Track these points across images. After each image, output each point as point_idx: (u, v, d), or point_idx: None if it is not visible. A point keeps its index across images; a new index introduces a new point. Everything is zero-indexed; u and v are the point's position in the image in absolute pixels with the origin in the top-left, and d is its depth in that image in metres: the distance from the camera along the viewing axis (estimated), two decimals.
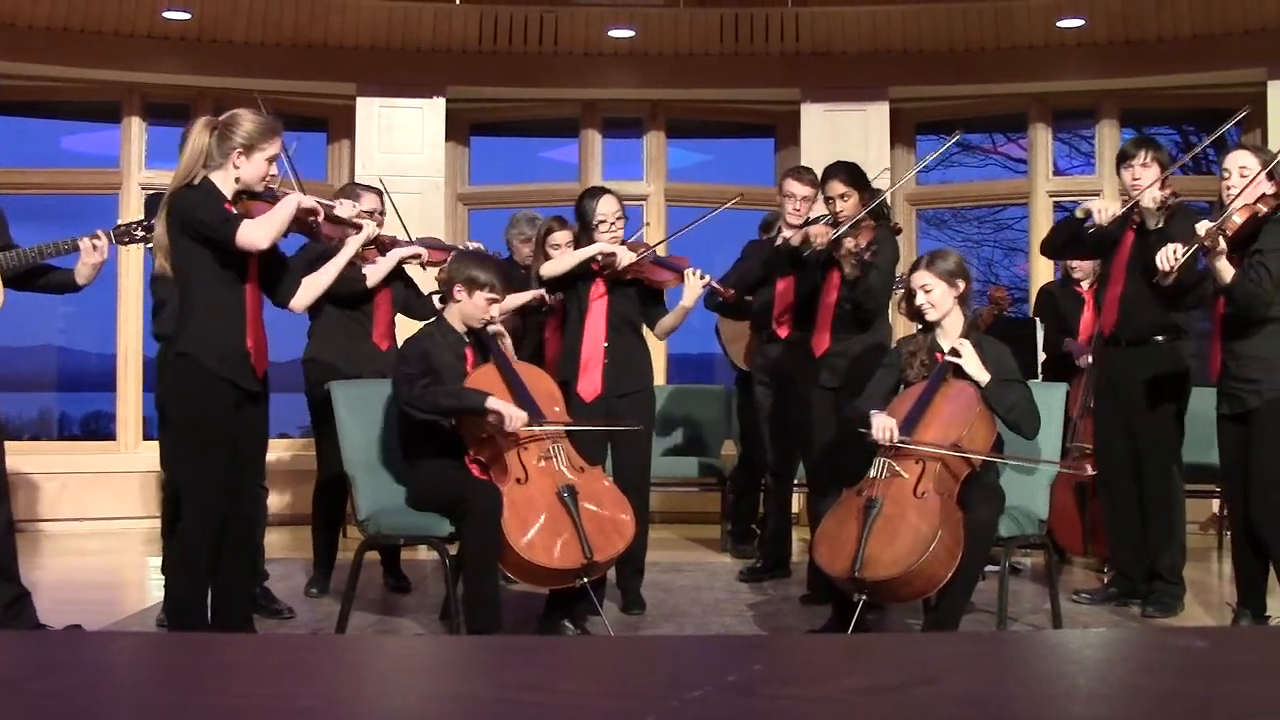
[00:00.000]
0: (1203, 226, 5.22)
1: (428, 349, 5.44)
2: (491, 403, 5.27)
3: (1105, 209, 5.96)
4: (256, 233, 4.75)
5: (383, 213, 6.50)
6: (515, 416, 5.26)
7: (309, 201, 4.97)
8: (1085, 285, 7.46)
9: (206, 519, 4.87)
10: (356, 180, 8.03)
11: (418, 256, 6.44)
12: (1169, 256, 5.32)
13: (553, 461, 5.43)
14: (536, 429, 5.39)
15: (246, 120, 4.86)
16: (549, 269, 6.22)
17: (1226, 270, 5.22)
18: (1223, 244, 5.17)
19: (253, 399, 4.99)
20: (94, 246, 5.17)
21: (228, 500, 4.93)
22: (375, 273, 6.34)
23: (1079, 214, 6.09)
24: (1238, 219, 5.25)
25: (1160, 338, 6.07)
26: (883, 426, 5.27)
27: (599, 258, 6.04)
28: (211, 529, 4.88)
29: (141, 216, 5.33)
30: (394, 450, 5.63)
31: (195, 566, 4.91)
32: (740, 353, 7.90)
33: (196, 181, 4.79)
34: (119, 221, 5.39)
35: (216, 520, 4.88)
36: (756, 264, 6.75)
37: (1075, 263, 7.45)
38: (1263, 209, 5.26)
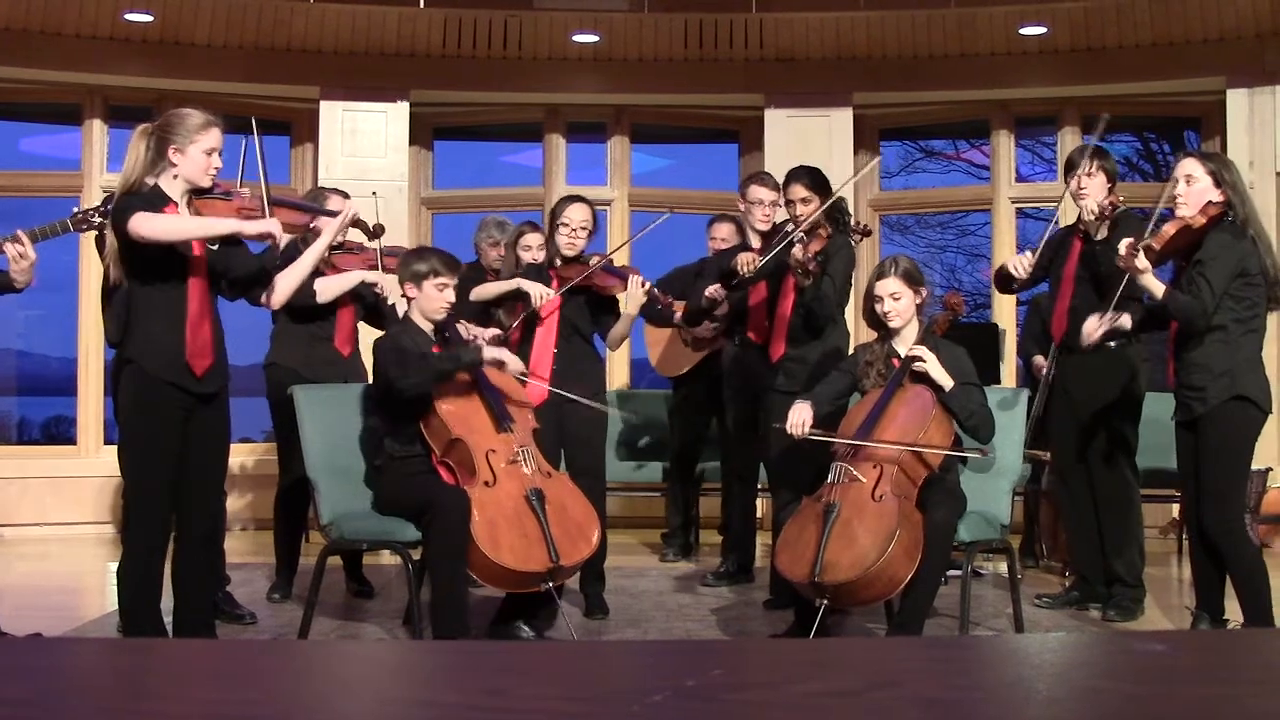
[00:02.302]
0: (1124, 245, 5.25)
1: (401, 343, 5.43)
2: (488, 352, 5.47)
3: (1021, 264, 6.07)
4: (146, 224, 4.66)
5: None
6: (512, 362, 5.53)
7: (253, 228, 4.85)
8: None
9: (152, 524, 4.85)
10: (320, 185, 7.99)
11: (376, 284, 6.36)
12: (1088, 334, 5.54)
13: (520, 465, 5.43)
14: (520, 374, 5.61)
15: (179, 118, 4.85)
16: (478, 293, 6.26)
17: (1155, 286, 5.25)
18: (1144, 260, 5.19)
19: (206, 401, 4.96)
20: (19, 253, 5.05)
21: (187, 505, 4.91)
22: (327, 290, 6.27)
23: (1007, 272, 6.18)
24: (1168, 231, 5.26)
25: (1111, 343, 6.10)
26: (795, 420, 5.34)
27: (534, 298, 6.09)
28: (157, 533, 4.86)
29: (99, 203, 5.28)
30: (356, 455, 5.62)
31: (143, 571, 4.88)
32: (657, 357, 7.95)
33: (138, 188, 4.78)
34: (76, 209, 5.32)
35: (162, 525, 4.86)
36: (695, 299, 6.76)
37: None
38: (1200, 219, 5.26)
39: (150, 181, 4.82)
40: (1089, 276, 5.98)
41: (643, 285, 6.09)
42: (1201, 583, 5.57)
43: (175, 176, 4.83)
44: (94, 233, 5.35)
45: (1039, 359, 7.35)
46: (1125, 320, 5.54)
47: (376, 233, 6.19)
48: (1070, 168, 6.18)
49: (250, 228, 4.84)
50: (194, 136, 4.82)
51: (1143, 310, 5.62)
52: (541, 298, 6.06)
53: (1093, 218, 5.94)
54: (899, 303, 5.43)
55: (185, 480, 4.90)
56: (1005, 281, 6.25)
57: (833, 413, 5.62)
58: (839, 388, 5.60)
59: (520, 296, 6.16)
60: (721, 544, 7.83)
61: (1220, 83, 9.05)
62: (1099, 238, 5.98)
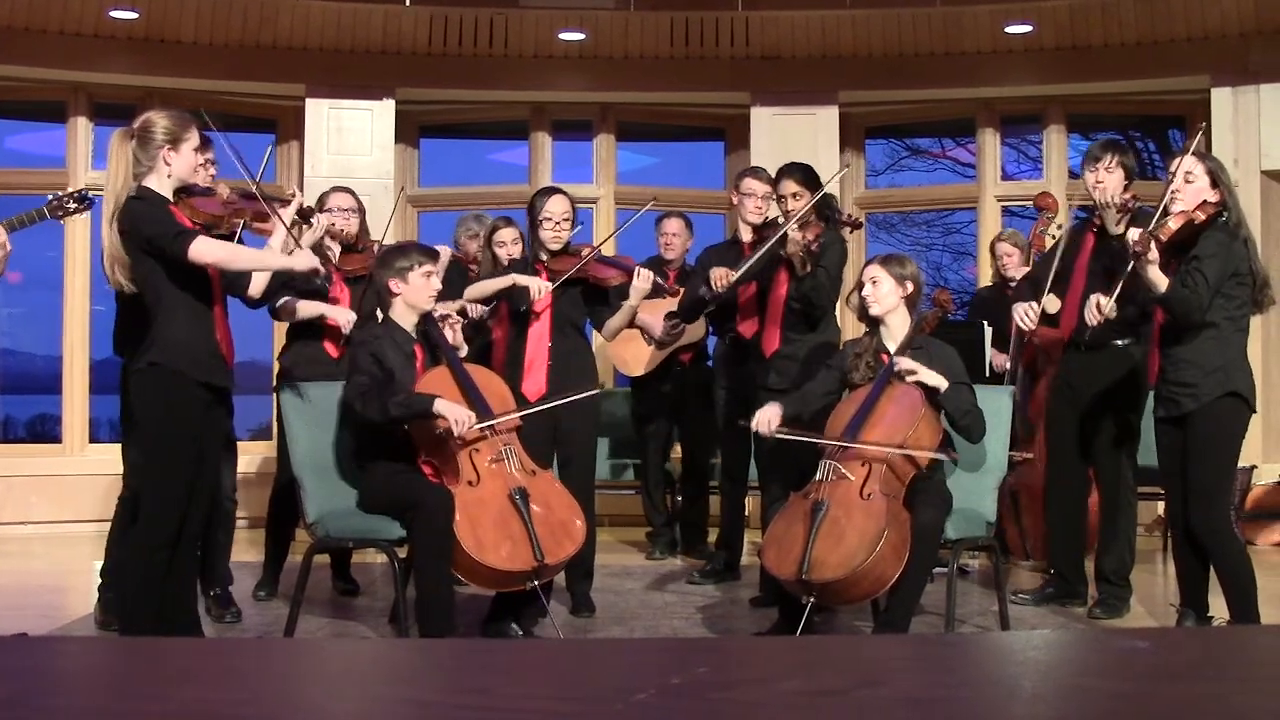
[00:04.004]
0: (1134, 233, 5.28)
1: (376, 351, 5.41)
2: (439, 406, 5.21)
3: (1026, 316, 6.02)
4: (210, 252, 4.77)
5: (360, 211, 6.52)
6: (461, 420, 5.22)
7: (303, 265, 5.01)
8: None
9: (166, 523, 4.86)
10: (306, 181, 8.00)
11: (337, 322, 6.35)
12: (1095, 311, 5.44)
13: (504, 464, 5.42)
14: (483, 426, 5.36)
15: (161, 118, 4.89)
16: (471, 292, 6.23)
17: (1160, 279, 5.26)
18: (1155, 252, 5.21)
19: (223, 399, 5.01)
20: None
21: (190, 505, 4.92)
22: (301, 310, 6.29)
23: (1019, 324, 6.14)
24: (1173, 225, 5.30)
25: (1119, 341, 6.12)
26: (762, 418, 5.38)
27: (532, 292, 6.04)
28: (170, 532, 4.87)
29: (76, 188, 5.29)
30: (343, 453, 5.60)
31: (149, 569, 4.88)
32: (620, 356, 7.95)
33: (134, 192, 4.78)
34: (52, 196, 5.31)
35: (176, 524, 4.87)
36: (688, 306, 6.80)
37: (1009, 266, 7.55)
38: (1201, 216, 5.31)
39: (134, 185, 4.83)
40: (1101, 271, 5.93)
41: (648, 277, 6.10)
42: (1186, 580, 5.59)
43: (169, 175, 4.85)
44: (86, 229, 5.37)
45: (998, 355, 7.35)
46: (1160, 281, 5.41)
47: (306, 215, 6.21)
48: (1090, 161, 6.17)
49: (299, 264, 5.01)
50: (183, 134, 4.87)
51: (1135, 307, 5.65)
52: (540, 291, 6.03)
53: (1112, 208, 5.91)
54: (878, 288, 5.47)
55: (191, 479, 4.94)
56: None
57: (821, 409, 5.63)
58: (828, 385, 5.61)
59: (506, 295, 6.14)
60: (682, 535, 7.91)
61: (1204, 81, 9.07)
62: (1116, 232, 5.94)
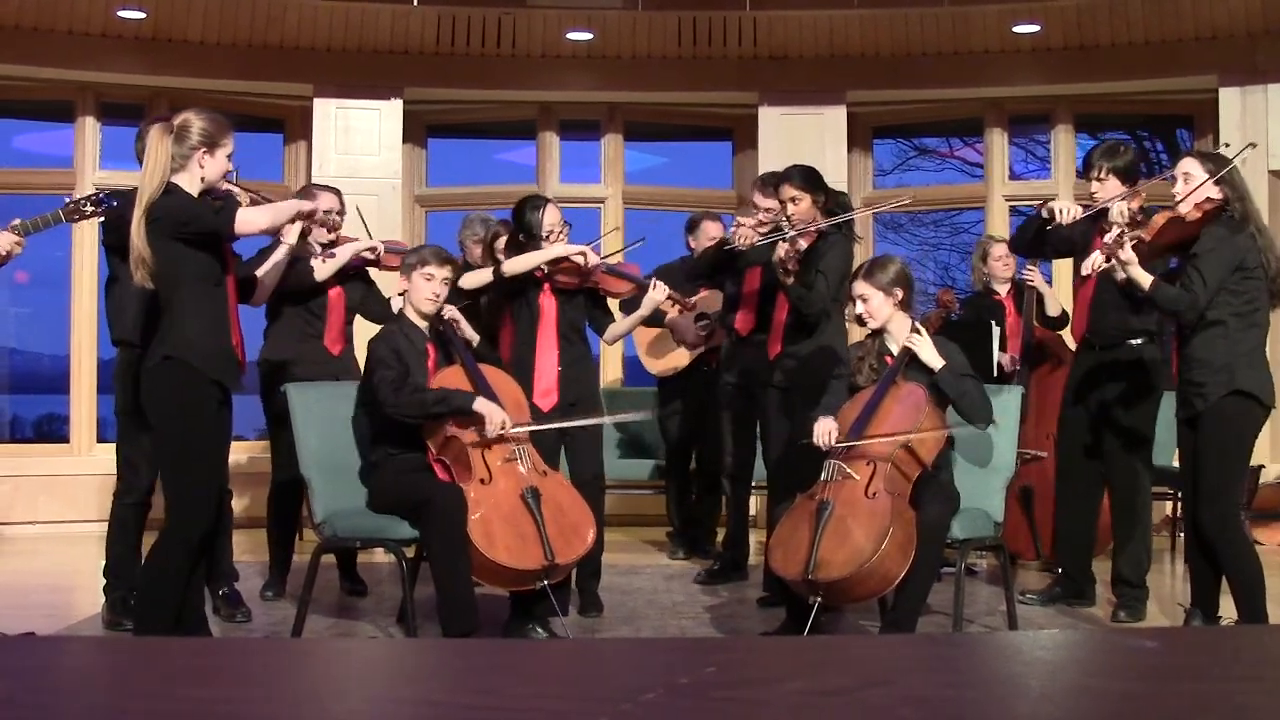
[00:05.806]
0: (1111, 235, 5.27)
1: (397, 345, 5.44)
2: (479, 404, 5.31)
3: (1068, 209, 5.88)
4: (256, 216, 4.86)
5: (341, 213, 6.48)
6: (497, 420, 5.30)
7: (309, 206, 5.09)
8: (1003, 291, 7.48)
9: (197, 523, 4.86)
10: (314, 182, 7.99)
11: (373, 249, 6.34)
12: (1093, 265, 5.46)
13: (517, 463, 5.44)
14: (506, 433, 5.40)
15: (200, 119, 4.87)
16: (510, 266, 6.13)
17: (1142, 277, 5.26)
18: (1128, 252, 5.19)
19: (226, 401, 5.02)
20: (17, 243, 5.01)
21: (210, 502, 4.94)
22: (323, 269, 6.25)
23: (1044, 214, 5.97)
24: (1157, 221, 5.28)
25: (1133, 341, 6.09)
26: (821, 430, 5.34)
27: (571, 258, 6.00)
28: (200, 531, 4.87)
29: (92, 192, 5.29)
30: (350, 452, 5.61)
31: (177, 570, 4.87)
32: (649, 356, 7.95)
33: (165, 187, 4.79)
34: (68, 199, 5.31)
35: (205, 521, 4.87)
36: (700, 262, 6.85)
37: (1000, 270, 7.47)
38: (1196, 214, 5.27)
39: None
40: (1111, 273, 5.89)
41: (663, 289, 6.10)
42: (1197, 580, 5.57)
43: (202, 179, 4.85)
44: (93, 228, 5.38)
45: (1002, 356, 7.32)
46: (1144, 279, 5.30)
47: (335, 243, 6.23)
48: (1086, 169, 6.14)
49: (306, 206, 5.15)
50: (221, 139, 4.89)
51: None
52: (588, 258, 6.01)
53: (1123, 220, 5.79)
54: (868, 304, 5.48)
55: None
56: (1037, 231, 6.04)
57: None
58: (844, 397, 5.59)
59: (518, 284, 6.09)
60: (671, 534, 7.91)
61: (1212, 80, 9.05)
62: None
